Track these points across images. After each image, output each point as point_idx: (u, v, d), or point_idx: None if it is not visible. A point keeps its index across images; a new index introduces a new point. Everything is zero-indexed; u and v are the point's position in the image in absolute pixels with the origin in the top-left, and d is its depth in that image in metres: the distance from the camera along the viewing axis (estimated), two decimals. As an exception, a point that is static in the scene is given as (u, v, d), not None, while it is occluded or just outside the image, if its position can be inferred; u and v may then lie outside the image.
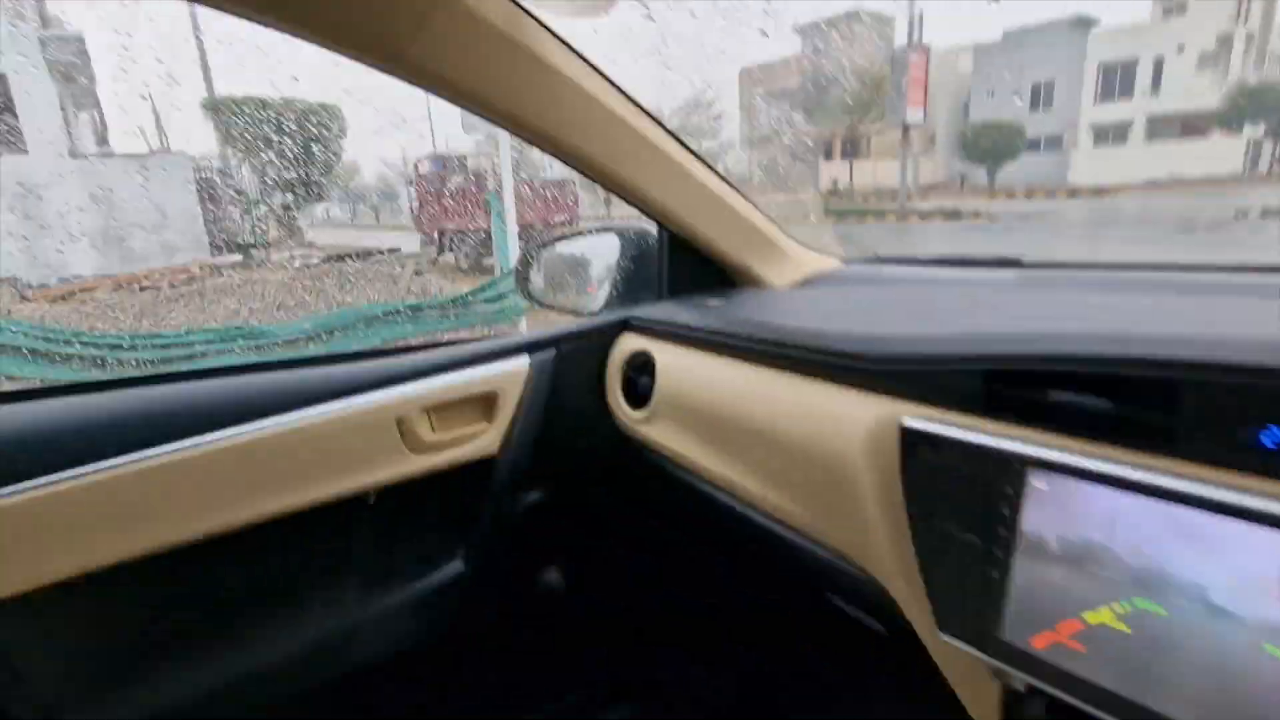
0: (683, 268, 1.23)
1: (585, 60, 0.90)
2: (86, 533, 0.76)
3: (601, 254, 1.38)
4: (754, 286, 1.22)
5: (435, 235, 9.44)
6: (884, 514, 0.68)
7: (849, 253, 1.33)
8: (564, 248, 1.43)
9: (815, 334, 0.83)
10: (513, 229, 5.44)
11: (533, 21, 0.82)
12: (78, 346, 3.18)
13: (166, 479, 0.79)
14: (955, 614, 0.62)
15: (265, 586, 0.95)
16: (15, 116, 7.74)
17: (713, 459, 0.95)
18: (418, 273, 7.88)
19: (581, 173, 1.02)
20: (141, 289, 7.56)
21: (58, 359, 3.14)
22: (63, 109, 8.54)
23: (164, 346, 3.53)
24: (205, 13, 6.98)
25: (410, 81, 0.81)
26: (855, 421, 0.72)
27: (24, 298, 6.95)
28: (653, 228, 1.25)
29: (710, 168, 1.11)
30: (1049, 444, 0.55)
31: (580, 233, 1.42)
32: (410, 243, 10.07)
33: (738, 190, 1.15)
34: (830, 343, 0.79)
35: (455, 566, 1.09)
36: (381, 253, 9.54)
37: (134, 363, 3.43)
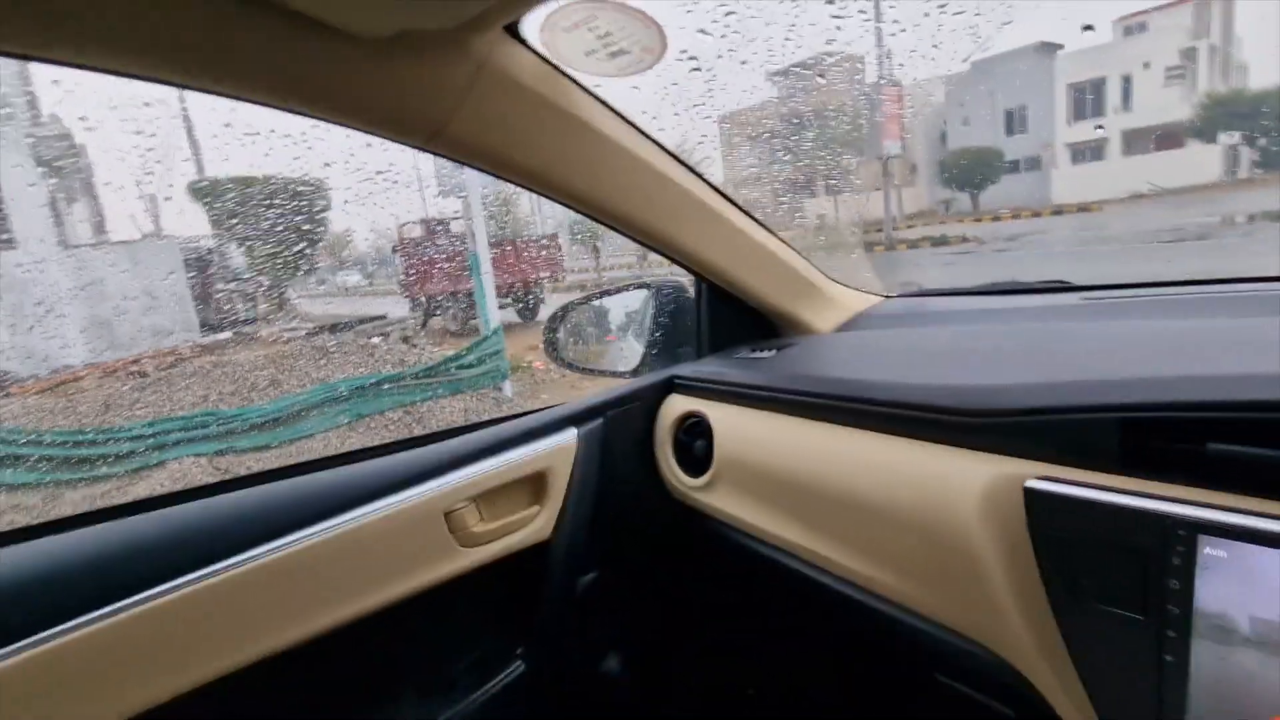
0: (723, 320, 1.18)
1: (624, 119, 0.86)
2: (107, 680, 0.64)
3: (633, 310, 1.35)
4: (797, 332, 1.15)
5: (423, 299, 9.46)
6: (1013, 589, 0.58)
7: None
8: (593, 306, 1.38)
9: (905, 387, 0.73)
10: (490, 290, 5.41)
11: (571, 84, 0.78)
12: (40, 448, 3.06)
13: (195, 609, 0.68)
14: (1121, 703, 0.52)
15: (313, 713, 0.84)
16: (2, 213, 7.82)
17: (788, 527, 0.85)
18: (405, 339, 7.83)
19: (619, 231, 0.97)
20: (129, 375, 7.47)
21: (15, 461, 3.01)
22: (54, 203, 8.65)
23: (132, 438, 3.41)
24: (198, 121, 7.16)
25: (448, 157, 0.78)
26: (964, 484, 0.62)
27: (7, 394, 6.85)
28: (687, 279, 1.20)
29: (747, 214, 1.04)
30: (1220, 505, 0.46)
31: (610, 290, 1.35)
32: (401, 308, 10.10)
33: (774, 234, 1.09)
34: (928, 396, 0.69)
35: (516, 668, 0.99)
36: (370, 320, 9.53)
37: (100, 459, 3.31)
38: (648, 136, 0.89)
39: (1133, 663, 0.51)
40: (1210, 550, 0.46)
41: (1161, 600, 0.48)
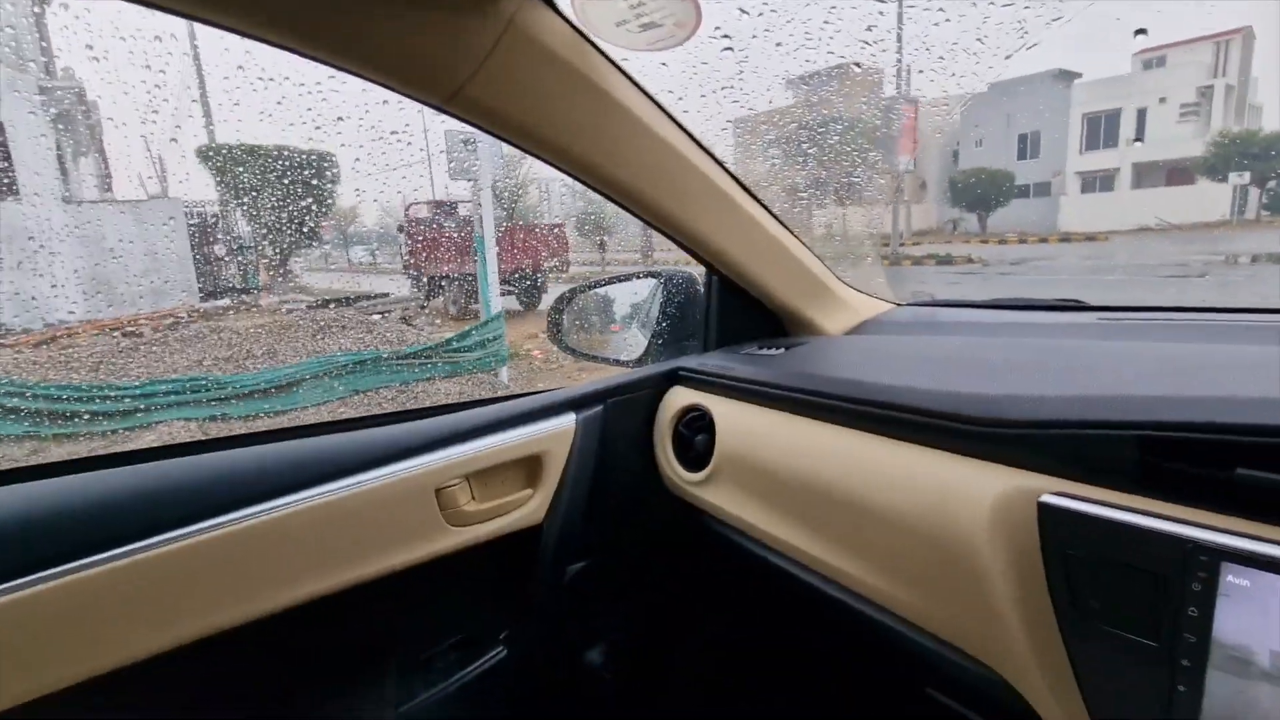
0: (732, 314, 1.15)
1: (650, 97, 0.83)
2: (80, 634, 0.63)
3: (641, 299, 1.32)
4: (806, 332, 1.13)
5: (425, 280, 9.43)
6: (1018, 605, 0.56)
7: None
8: (600, 293, 1.36)
9: (917, 392, 0.71)
10: (494, 273, 5.38)
11: (598, 55, 0.75)
12: (26, 400, 3.02)
13: (179, 567, 0.67)
14: None
15: (292, 682, 0.82)
16: (10, 163, 7.76)
17: (785, 528, 0.83)
18: (404, 319, 7.79)
19: (634, 214, 0.94)
20: (124, 334, 7.43)
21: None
22: (62, 157, 8.60)
23: (120, 398, 3.37)
24: (210, 62, 7.10)
25: (464, 119, 0.75)
26: (975, 495, 0.60)
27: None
28: (697, 271, 1.18)
29: (767, 209, 1.02)
30: (1246, 532, 0.45)
31: (619, 277, 1.33)
32: (404, 287, 10.07)
33: (792, 232, 1.07)
34: (941, 403, 0.67)
35: (498, 652, 0.98)
36: (372, 298, 9.49)
37: (88, 416, 3.28)
38: (672, 118, 0.86)
39: (1142, 691, 0.49)
40: (1233, 578, 0.44)
41: (1177, 627, 0.46)
